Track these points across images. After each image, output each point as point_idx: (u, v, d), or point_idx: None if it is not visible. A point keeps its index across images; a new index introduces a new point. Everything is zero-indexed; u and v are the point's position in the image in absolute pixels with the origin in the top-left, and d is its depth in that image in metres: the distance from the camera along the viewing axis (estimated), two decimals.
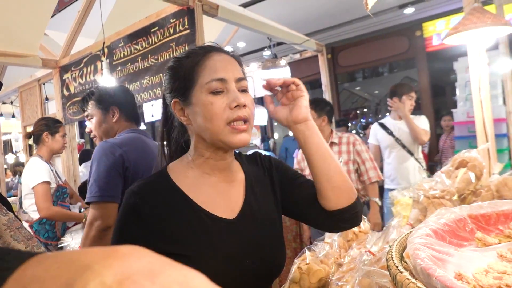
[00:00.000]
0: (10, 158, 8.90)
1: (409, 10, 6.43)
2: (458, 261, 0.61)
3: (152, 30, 3.23)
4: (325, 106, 2.90)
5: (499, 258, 0.62)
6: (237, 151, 1.06)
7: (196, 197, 0.91)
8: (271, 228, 0.98)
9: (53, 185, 2.68)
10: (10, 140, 9.10)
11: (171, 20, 3.06)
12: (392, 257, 0.62)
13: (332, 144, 2.82)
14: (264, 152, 1.25)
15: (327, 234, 1.35)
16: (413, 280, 0.52)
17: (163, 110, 1.03)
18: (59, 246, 2.48)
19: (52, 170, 2.72)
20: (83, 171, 5.00)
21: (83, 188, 3.53)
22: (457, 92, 4.03)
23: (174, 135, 1.02)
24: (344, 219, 0.96)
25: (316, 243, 1.30)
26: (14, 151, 9.11)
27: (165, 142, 1.04)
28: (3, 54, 3.86)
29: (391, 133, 3.30)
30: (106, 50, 3.60)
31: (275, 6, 5.52)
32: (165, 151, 1.03)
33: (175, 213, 0.87)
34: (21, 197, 2.76)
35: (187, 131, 0.98)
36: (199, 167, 0.95)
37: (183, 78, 0.91)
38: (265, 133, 9.76)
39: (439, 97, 7.97)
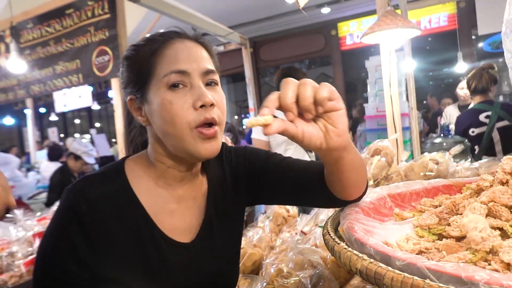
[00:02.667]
0: None
1: (325, 10, 6.82)
2: (383, 233, 0.69)
3: (67, 12, 2.99)
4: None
5: (415, 229, 0.72)
6: None
7: (154, 213, 0.77)
8: (231, 246, 0.88)
9: None
10: None
11: (89, 3, 2.87)
12: (328, 232, 0.69)
13: None
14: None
15: (259, 220, 1.41)
16: (350, 249, 0.59)
17: (124, 107, 0.87)
18: None
19: None
20: None
21: None
22: (368, 88, 4.39)
23: (133, 134, 0.88)
24: (353, 201, 0.83)
25: (248, 228, 1.34)
26: None
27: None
28: None
29: None
30: (11, 31, 3.24)
31: None
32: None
33: (128, 232, 0.74)
34: None
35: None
36: (162, 175, 0.80)
37: (138, 70, 0.76)
38: None
39: (352, 93, 8.61)
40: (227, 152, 0.93)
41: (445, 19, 6.73)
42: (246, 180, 0.91)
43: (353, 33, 7.51)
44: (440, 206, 0.79)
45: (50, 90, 3.14)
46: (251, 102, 4.65)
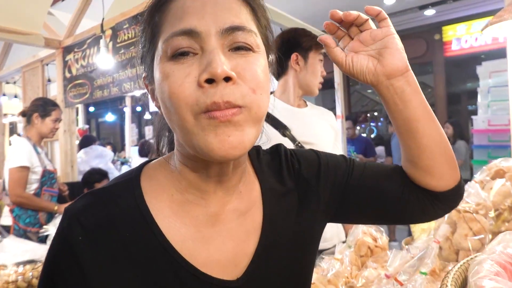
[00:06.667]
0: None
1: (429, 12, 6.20)
2: None
3: None
4: None
5: None
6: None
7: (179, 242, 0.53)
8: (297, 284, 0.64)
9: (39, 170, 2.53)
10: (16, 122, 9.01)
11: None
12: None
13: None
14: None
15: (337, 250, 1.14)
16: None
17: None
18: (40, 234, 2.31)
19: (39, 154, 2.56)
20: (82, 157, 4.85)
21: (89, 177, 3.34)
22: (479, 98, 3.80)
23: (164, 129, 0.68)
24: (455, 200, 0.68)
25: (323, 256, 1.09)
26: (19, 133, 9.01)
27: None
28: (5, 30, 3.70)
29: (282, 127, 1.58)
30: (110, 32, 3.41)
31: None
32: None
33: (140, 270, 0.51)
34: (4, 179, 2.61)
35: None
36: (189, 186, 0.55)
37: (144, 37, 0.56)
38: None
39: (454, 105, 7.73)
40: (288, 156, 0.68)
41: None
42: (324, 195, 0.66)
43: (460, 37, 6.70)
44: None
45: (138, 88, 3.22)
46: (339, 110, 4.32)
